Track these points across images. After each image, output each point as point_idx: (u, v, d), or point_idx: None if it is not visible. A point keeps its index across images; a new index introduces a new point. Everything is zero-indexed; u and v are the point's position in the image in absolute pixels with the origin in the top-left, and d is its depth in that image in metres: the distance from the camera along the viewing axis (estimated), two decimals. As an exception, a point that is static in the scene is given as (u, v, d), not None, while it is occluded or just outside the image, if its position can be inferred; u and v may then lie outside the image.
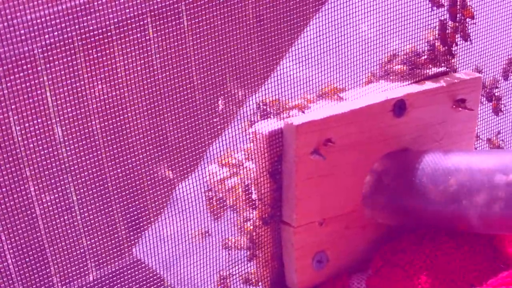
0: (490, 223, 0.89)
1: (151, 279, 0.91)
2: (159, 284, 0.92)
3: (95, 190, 0.85)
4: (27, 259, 0.82)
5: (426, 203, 0.92)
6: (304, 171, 0.90)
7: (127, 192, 0.86)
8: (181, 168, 0.88)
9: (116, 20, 0.79)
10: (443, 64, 1.01)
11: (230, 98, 0.89)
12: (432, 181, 0.92)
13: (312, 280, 0.95)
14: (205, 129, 0.89)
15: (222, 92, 0.89)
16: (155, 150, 0.87)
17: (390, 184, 0.96)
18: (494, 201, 0.87)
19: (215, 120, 0.88)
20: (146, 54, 0.83)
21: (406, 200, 0.95)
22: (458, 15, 0.99)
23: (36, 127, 0.78)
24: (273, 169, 0.91)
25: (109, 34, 0.79)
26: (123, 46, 0.80)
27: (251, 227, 0.92)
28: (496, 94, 1.06)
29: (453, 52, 1.00)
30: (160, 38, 0.83)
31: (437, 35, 0.99)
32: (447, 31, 0.99)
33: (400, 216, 0.97)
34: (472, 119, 1.03)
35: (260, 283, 0.94)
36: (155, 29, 0.83)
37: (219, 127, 0.89)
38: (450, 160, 0.93)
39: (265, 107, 0.91)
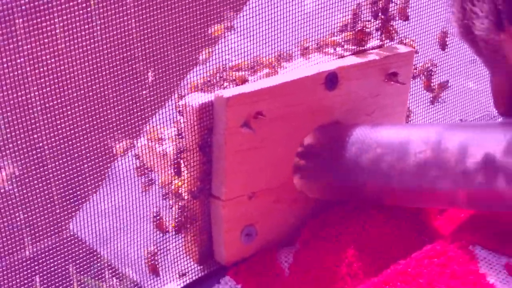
0: (415, 196, 0.90)
1: (88, 255, 0.91)
2: (96, 259, 0.91)
3: (31, 163, 0.83)
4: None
5: (355, 176, 0.93)
6: (234, 144, 0.90)
7: (64, 166, 0.84)
8: (119, 142, 0.87)
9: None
10: (377, 38, 1.01)
11: (167, 71, 0.88)
12: (362, 154, 0.92)
13: (241, 253, 0.95)
14: (142, 102, 0.87)
15: (157, 63, 0.87)
16: (93, 123, 0.85)
17: (320, 158, 0.96)
18: (419, 174, 0.88)
19: (144, 92, 0.87)
20: (88, 26, 0.80)
21: (336, 173, 0.95)
22: None
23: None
24: (203, 142, 0.90)
25: (49, 5, 0.76)
26: (64, 17, 0.78)
27: (180, 201, 0.91)
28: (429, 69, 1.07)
29: (387, 26, 1.00)
30: (101, 4, 0.81)
31: (370, 9, 0.98)
32: (380, 4, 0.98)
33: (330, 189, 0.97)
34: (404, 93, 1.03)
35: (189, 257, 0.94)
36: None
37: (149, 99, 0.88)
38: (380, 133, 0.93)
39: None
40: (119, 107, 0.85)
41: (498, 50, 0.84)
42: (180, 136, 0.90)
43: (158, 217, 0.92)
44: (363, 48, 0.99)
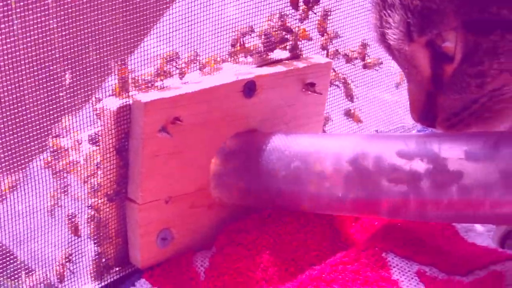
0: (326, 204, 0.92)
1: (3, 256, 0.90)
2: (11, 261, 0.90)
3: None
4: None
5: (271, 183, 0.94)
6: (151, 148, 0.90)
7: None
8: (34, 144, 0.87)
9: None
10: (296, 49, 1.02)
11: (85, 73, 0.88)
12: (277, 162, 0.94)
13: (156, 257, 0.95)
14: (59, 104, 0.87)
15: (76, 65, 0.87)
16: (8, 123, 0.84)
17: (237, 164, 0.97)
18: (328, 183, 0.90)
19: (61, 94, 0.87)
20: (6, 24, 0.80)
21: (252, 180, 0.96)
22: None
23: None
24: (120, 145, 0.90)
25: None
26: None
27: (96, 204, 0.91)
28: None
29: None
30: (22, 8, 0.80)
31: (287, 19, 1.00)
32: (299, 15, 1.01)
33: (246, 196, 0.98)
34: (321, 103, 1.05)
35: (104, 260, 0.94)
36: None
37: (66, 101, 0.88)
38: (295, 143, 0.95)
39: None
40: (36, 108, 0.84)
41: (409, 60, 0.86)
42: (96, 140, 0.90)
43: (73, 220, 0.92)
44: (281, 57, 1.01)
